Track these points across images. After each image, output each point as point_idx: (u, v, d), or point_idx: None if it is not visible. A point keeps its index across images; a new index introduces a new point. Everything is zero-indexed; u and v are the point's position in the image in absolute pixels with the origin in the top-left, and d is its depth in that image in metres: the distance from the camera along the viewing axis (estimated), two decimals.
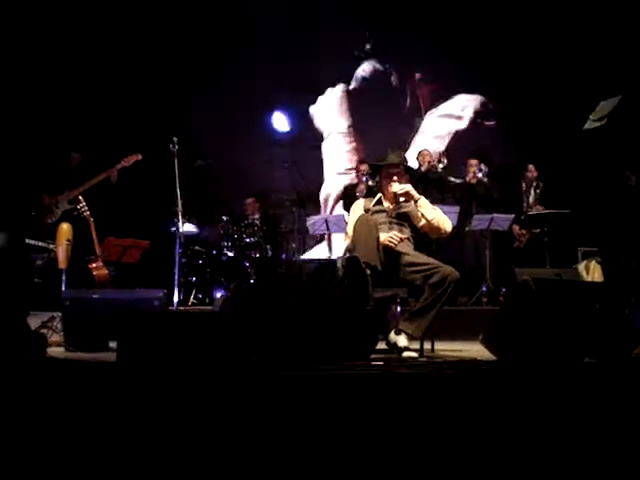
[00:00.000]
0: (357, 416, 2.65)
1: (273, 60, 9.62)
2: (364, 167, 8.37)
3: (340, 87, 9.96)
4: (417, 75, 9.93)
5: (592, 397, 2.78)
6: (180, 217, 6.01)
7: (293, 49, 9.60)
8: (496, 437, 2.60)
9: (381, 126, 9.49)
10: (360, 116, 9.89)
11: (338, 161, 9.96)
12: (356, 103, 9.92)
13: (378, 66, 9.93)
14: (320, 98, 9.99)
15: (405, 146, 9.57)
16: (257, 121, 9.83)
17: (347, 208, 5.66)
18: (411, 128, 10.02)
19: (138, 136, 8.19)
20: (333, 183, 9.87)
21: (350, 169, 9.70)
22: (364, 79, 9.96)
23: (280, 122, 9.72)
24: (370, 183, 4.55)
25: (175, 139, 6.16)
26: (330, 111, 9.97)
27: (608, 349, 3.71)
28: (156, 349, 3.20)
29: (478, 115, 9.85)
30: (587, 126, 8.01)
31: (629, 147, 8.26)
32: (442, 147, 9.81)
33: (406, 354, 4.28)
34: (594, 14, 9.11)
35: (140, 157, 6.96)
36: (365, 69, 9.95)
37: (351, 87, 9.97)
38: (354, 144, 9.92)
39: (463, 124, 9.97)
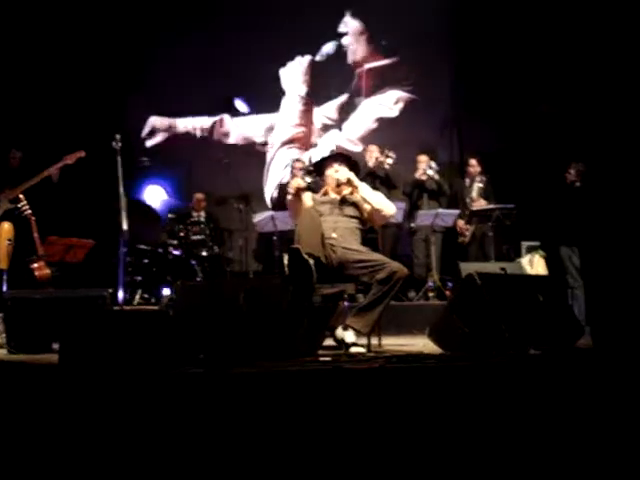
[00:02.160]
0: (304, 412, 2.64)
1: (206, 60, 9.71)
2: (299, 164, 8.40)
3: (307, 57, 10.25)
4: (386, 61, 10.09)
5: (538, 388, 2.81)
6: (124, 215, 5.90)
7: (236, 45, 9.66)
8: (443, 429, 2.61)
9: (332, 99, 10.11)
10: (317, 87, 10.25)
11: (290, 119, 10.28)
12: (316, 74, 10.25)
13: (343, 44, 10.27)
14: (289, 63, 10.23)
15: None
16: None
17: (284, 205, 5.71)
18: (353, 107, 10.22)
19: (80, 133, 8.05)
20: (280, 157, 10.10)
21: (294, 138, 9.92)
22: (328, 55, 10.22)
23: (241, 107, 10.08)
24: (308, 180, 4.56)
25: (118, 136, 6.04)
26: (295, 76, 10.29)
27: (553, 340, 3.77)
28: (100, 349, 3.13)
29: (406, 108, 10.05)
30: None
31: (572, 142, 8.41)
32: (372, 126, 10.04)
33: (354, 349, 4.28)
34: (528, 10, 9.27)
35: (83, 154, 6.84)
36: (331, 46, 10.17)
37: (316, 59, 10.25)
38: (307, 107, 10.27)
39: (392, 113, 10.13)
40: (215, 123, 10.07)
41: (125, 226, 5.90)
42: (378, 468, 2.50)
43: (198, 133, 10.03)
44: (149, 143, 9.94)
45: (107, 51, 9.18)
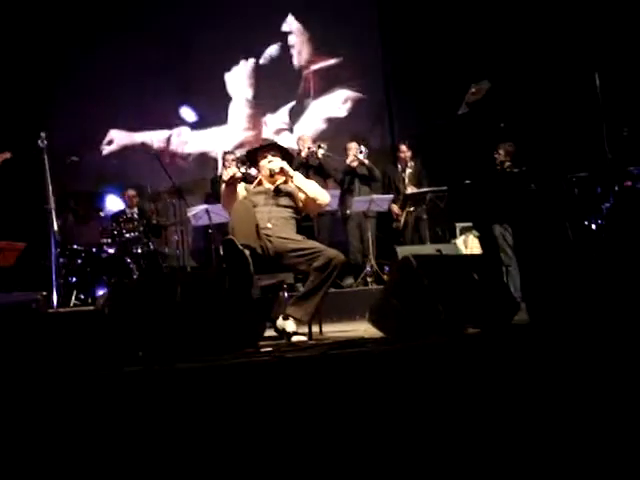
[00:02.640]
0: (248, 404, 2.62)
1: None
2: (230, 156, 8.36)
3: (251, 60, 10.22)
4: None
5: (476, 365, 2.85)
6: (54, 216, 5.78)
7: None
8: (387, 413, 2.62)
9: (279, 102, 10.15)
10: (263, 90, 10.26)
11: (239, 124, 10.30)
12: (261, 78, 10.24)
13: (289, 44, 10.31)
14: (234, 67, 10.16)
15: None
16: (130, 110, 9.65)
17: (218, 199, 5.68)
18: (303, 109, 10.22)
19: (3, 133, 7.81)
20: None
21: (243, 142, 9.93)
22: (272, 57, 10.22)
23: (188, 114, 10.04)
24: (242, 170, 4.54)
25: (43, 134, 5.91)
26: (240, 79, 10.26)
27: (489, 318, 3.82)
28: (33, 352, 3.06)
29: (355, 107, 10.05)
30: (461, 111, 8.23)
31: (500, 123, 8.54)
32: (321, 127, 10.00)
33: (295, 338, 4.28)
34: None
35: (9, 155, 6.66)
36: (275, 49, 10.17)
37: (260, 62, 10.23)
38: (254, 111, 10.28)
39: (341, 113, 10.17)
40: (170, 136, 10.00)
41: (55, 227, 5.78)
42: (325, 456, 2.50)
43: (155, 144, 9.90)
44: (105, 151, 9.78)
45: (31, 46, 8.92)
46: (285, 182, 4.82)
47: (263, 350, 3.59)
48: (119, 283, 4.56)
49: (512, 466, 2.43)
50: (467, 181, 8.25)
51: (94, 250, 7.81)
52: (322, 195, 4.85)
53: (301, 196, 4.80)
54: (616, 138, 6.93)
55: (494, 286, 4.19)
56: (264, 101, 10.23)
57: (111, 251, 7.83)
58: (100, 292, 7.43)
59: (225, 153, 8.87)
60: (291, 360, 3.06)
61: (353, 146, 8.55)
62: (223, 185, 4.76)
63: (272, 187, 4.81)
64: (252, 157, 5.07)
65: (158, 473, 2.45)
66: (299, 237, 4.61)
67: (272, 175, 4.80)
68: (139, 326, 3.56)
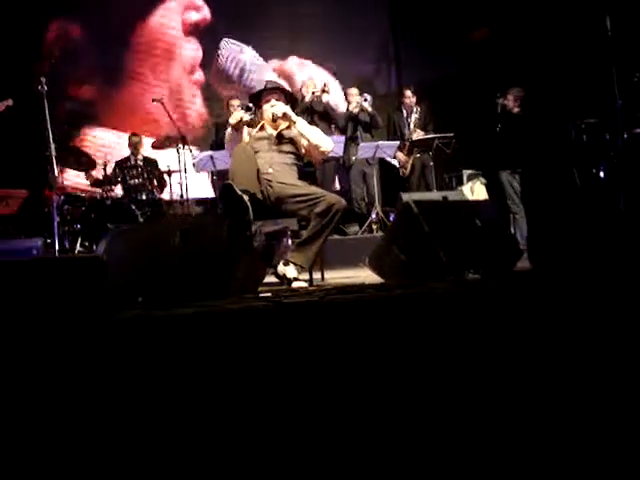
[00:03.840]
0: (244, 350, 2.61)
1: None
2: (235, 102, 8.24)
3: None
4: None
5: (477, 311, 2.82)
6: (54, 162, 5.73)
7: None
8: (386, 360, 2.61)
9: None
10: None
11: None
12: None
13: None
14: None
15: None
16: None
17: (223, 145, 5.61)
18: None
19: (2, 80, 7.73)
20: None
21: None
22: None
23: None
24: (247, 116, 4.47)
25: (43, 79, 5.82)
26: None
27: (491, 264, 3.79)
28: (30, 299, 3.04)
29: None
30: None
31: (509, 68, 8.42)
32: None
33: (296, 284, 4.27)
34: None
35: (11, 102, 6.58)
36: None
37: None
38: None
39: None
40: None
41: (56, 173, 5.75)
42: (321, 403, 2.50)
43: None
44: None
45: None
46: (288, 127, 4.75)
47: (262, 295, 3.57)
48: (118, 230, 4.52)
49: (510, 419, 2.42)
50: (474, 126, 8.18)
51: (98, 197, 7.77)
52: (325, 142, 4.78)
53: (304, 142, 4.73)
54: (627, 84, 6.80)
55: (496, 232, 4.15)
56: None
57: (115, 197, 7.79)
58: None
59: (229, 98, 8.76)
60: (288, 305, 3.04)
61: (354, 92, 8.43)
62: (229, 129, 4.70)
63: (274, 133, 4.73)
64: (255, 100, 4.99)
65: (156, 420, 2.45)
66: (300, 183, 4.56)
67: (275, 120, 4.72)
68: (137, 272, 3.54)
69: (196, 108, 9.94)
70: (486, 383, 2.54)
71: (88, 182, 7.84)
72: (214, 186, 7.73)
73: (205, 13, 10.00)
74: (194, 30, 9.99)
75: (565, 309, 2.79)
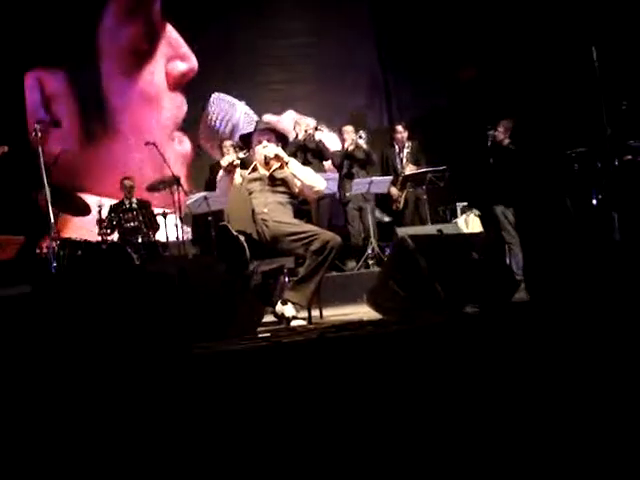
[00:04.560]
0: (244, 390, 2.61)
1: None
2: (227, 142, 8.29)
3: None
4: None
5: (477, 345, 2.82)
6: (50, 208, 5.75)
7: None
8: (386, 394, 2.60)
9: None
10: None
11: None
12: None
13: None
14: None
15: None
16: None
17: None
18: None
19: None
20: None
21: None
22: None
23: None
24: (240, 155, 4.52)
25: (37, 126, 5.87)
26: None
27: (489, 297, 3.80)
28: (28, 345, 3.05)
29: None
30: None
31: (497, 103, 8.51)
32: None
33: (294, 323, 4.27)
34: None
35: (6, 149, 6.61)
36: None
37: None
38: None
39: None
40: None
41: (52, 219, 5.76)
42: (321, 439, 2.49)
43: None
44: None
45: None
46: (280, 168, 4.77)
47: (261, 336, 3.57)
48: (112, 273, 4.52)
49: (510, 447, 2.41)
50: (467, 160, 8.24)
51: (94, 241, 7.78)
52: (318, 182, 4.80)
53: (297, 182, 4.75)
54: (615, 112, 6.87)
55: (493, 265, 4.16)
56: None
57: (111, 241, 7.80)
58: None
59: (222, 139, 8.82)
60: (287, 345, 3.04)
61: (349, 129, 8.49)
62: (221, 171, 4.74)
63: (267, 173, 4.76)
64: (247, 141, 5.03)
65: (152, 461, 2.43)
66: (296, 221, 4.59)
67: (267, 161, 4.75)
68: (135, 314, 3.54)
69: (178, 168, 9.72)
70: (488, 418, 2.53)
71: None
72: (210, 226, 7.73)
73: (193, 63, 9.74)
74: (180, 83, 9.77)
75: (564, 339, 2.79)
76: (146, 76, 9.71)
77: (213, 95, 9.83)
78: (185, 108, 9.75)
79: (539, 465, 2.25)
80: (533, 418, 2.48)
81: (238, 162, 4.67)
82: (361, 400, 2.58)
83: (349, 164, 8.41)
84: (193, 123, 9.75)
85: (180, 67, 9.77)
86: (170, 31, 9.78)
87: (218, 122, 9.83)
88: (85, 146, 9.43)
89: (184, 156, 9.73)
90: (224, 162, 4.72)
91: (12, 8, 8.56)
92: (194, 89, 9.73)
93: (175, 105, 9.77)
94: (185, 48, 9.78)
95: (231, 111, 9.88)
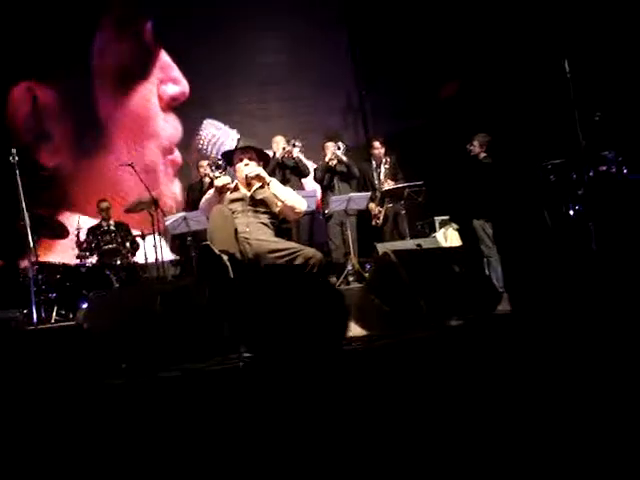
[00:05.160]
0: (231, 409, 2.60)
1: None
2: (204, 162, 8.30)
3: None
4: None
5: (462, 356, 2.84)
6: (29, 231, 5.70)
7: None
8: (373, 411, 2.61)
9: None
10: None
11: None
12: None
13: None
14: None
15: None
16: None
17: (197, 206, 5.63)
18: None
19: None
20: None
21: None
22: None
23: None
24: (217, 174, 4.52)
25: (14, 150, 5.82)
26: None
27: (472, 309, 3.82)
28: (14, 370, 3.01)
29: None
30: None
31: (476, 119, 8.58)
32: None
33: None
34: None
35: None
36: None
37: None
38: None
39: None
40: None
41: (31, 243, 5.71)
42: (308, 454, 2.48)
43: None
44: None
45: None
46: (262, 187, 4.77)
47: (246, 355, 3.56)
48: (98, 296, 4.50)
49: (497, 458, 2.42)
50: (444, 176, 8.30)
51: (72, 264, 7.72)
52: (299, 203, 4.80)
53: (277, 202, 4.75)
54: (588, 123, 6.96)
55: (475, 277, 4.19)
56: None
57: (90, 264, 7.75)
58: (82, 306, 7.34)
59: (198, 159, 8.82)
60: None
61: (330, 145, 8.53)
62: (211, 191, 4.70)
63: (248, 194, 4.75)
64: (228, 159, 5.03)
65: None
66: (277, 239, 4.58)
67: (248, 181, 4.75)
68: (120, 338, 3.53)
69: (171, 191, 9.82)
70: (476, 427, 2.54)
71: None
72: (190, 247, 7.71)
73: (184, 87, 9.87)
74: (172, 105, 9.90)
75: (548, 348, 2.81)
76: (139, 97, 9.80)
77: (205, 120, 9.95)
78: (180, 129, 9.87)
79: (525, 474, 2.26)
80: (518, 427, 2.50)
81: (233, 186, 4.66)
82: (351, 415, 2.58)
83: (329, 178, 8.45)
84: (187, 145, 9.89)
85: (171, 90, 9.92)
86: (162, 54, 9.89)
87: (205, 145, 9.93)
88: (76, 162, 9.47)
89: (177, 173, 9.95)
90: (219, 182, 4.68)
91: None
92: (186, 112, 9.88)
93: (171, 126, 9.89)
94: (177, 72, 9.90)
95: (217, 134, 9.96)
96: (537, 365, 2.73)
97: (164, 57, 9.89)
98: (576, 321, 3.10)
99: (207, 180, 7.98)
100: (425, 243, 6.37)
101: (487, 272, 6.88)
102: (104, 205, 8.27)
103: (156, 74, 9.88)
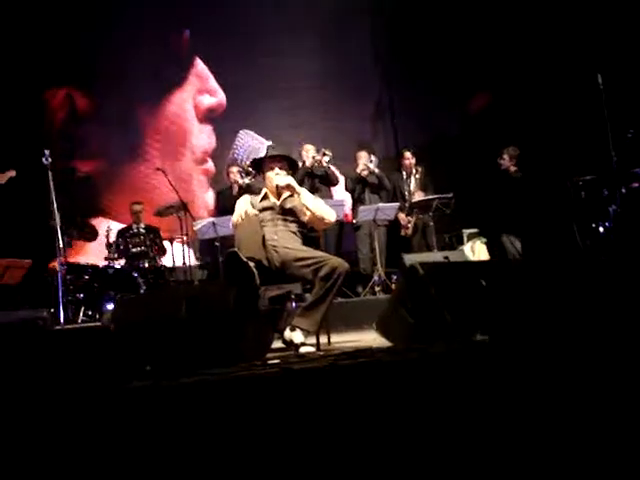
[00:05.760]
0: (259, 416, 2.60)
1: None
2: (234, 168, 8.34)
3: None
4: None
5: (486, 372, 2.82)
6: (59, 232, 5.77)
7: None
8: (396, 424, 2.59)
9: None
10: None
11: None
12: None
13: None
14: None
15: None
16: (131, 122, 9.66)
17: (227, 211, 5.64)
18: None
19: (7, 151, 7.83)
20: None
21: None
22: None
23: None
24: (246, 181, 4.54)
25: (47, 152, 5.91)
26: None
27: (499, 325, 3.79)
28: (39, 370, 3.04)
29: None
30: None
31: (507, 132, 8.55)
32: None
33: (303, 349, 4.25)
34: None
35: (14, 173, 6.67)
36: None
37: None
38: None
39: None
40: None
41: (61, 244, 5.78)
42: (334, 467, 2.48)
43: None
44: None
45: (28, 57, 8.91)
46: (291, 196, 4.78)
47: (270, 362, 3.56)
48: (125, 299, 4.54)
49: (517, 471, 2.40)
50: (474, 189, 8.27)
51: (101, 266, 7.80)
52: (328, 214, 4.79)
53: (306, 212, 4.75)
54: (621, 140, 6.91)
55: (502, 292, 4.15)
56: None
57: (118, 266, 7.82)
58: (108, 308, 7.41)
59: (229, 165, 8.86)
60: (298, 372, 3.03)
61: (363, 155, 8.55)
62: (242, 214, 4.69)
63: (278, 202, 4.77)
64: (258, 167, 5.04)
65: None
66: (305, 247, 4.59)
67: (279, 191, 4.75)
68: (145, 341, 3.54)
69: (204, 200, 9.88)
70: (496, 445, 2.52)
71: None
72: (218, 252, 7.75)
73: (221, 98, 9.93)
74: (208, 116, 9.95)
75: (572, 369, 2.78)
76: (175, 106, 9.90)
77: (241, 131, 10.00)
78: (214, 139, 9.95)
79: None
80: (541, 441, 2.48)
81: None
82: (371, 428, 2.57)
83: (360, 189, 8.47)
84: (221, 154, 9.96)
85: (208, 101, 10.00)
86: (199, 64, 9.99)
87: (241, 153, 9.96)
88: (110, 168, 9.60)
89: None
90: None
91: (35, 27, 8.69)
92: (220, 121, 9.97)
93: (206, 136, 9.97)
94: (213, 82, 10.00)
95: (255, 146, 9.96)
96: (561, 381, 2.70)
97: (200, 66, 9.97)
98: (601, 337, 3.07)
99: (237, 186, 8.03)
100: (452, 256, 6.33)
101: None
102: (138, 207, 8.36)
103: (193, 82, 9.96)
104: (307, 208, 4.71)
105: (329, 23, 9.96)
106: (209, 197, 9.85)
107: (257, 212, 4.63)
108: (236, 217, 4.64)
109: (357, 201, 8.52)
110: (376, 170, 8.39)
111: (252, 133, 9.99)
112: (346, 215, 8.77)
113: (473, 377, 2.77)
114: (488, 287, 3.94)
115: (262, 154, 4.79)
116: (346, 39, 9.97)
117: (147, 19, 9.66)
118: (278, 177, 4.74)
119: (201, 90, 9.98)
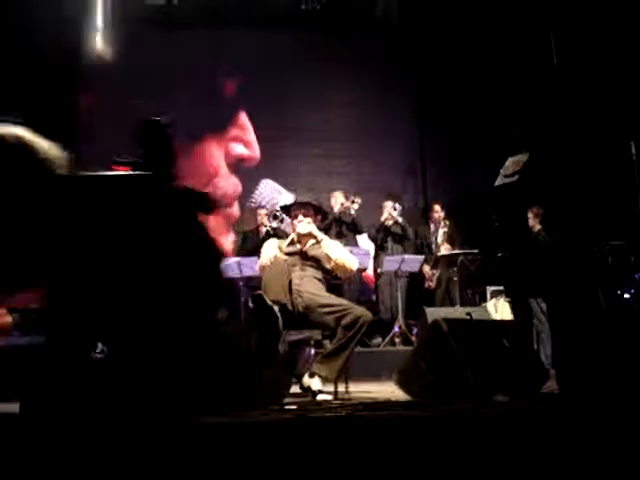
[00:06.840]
0: (272, 462, 2.59)
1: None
2: (262, 211, 8.42)
3: None
4: None
5: (505, 434, 2.79)
6: None
7: None
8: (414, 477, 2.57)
9: None
10: None
11: None
12: None
13: None
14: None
15: None
16: None
17: (252, 252, 5.69)
18: None
19: None
20: None
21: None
22: None
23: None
24: (274, 225, 4.61)
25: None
26: None
27: (518, 386, 3.76)
28: (63, 398, 3.06)
29: None
30: (498, 182, 8.33)
31: (534, 192, 8.53)
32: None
33: (320, 397, 4.24)
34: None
35: None
36: None
37: None
38: None
39: None
40: None
41: None
42: None
43: None
44: None
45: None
46: (316, 242, 4.85)
47: (288, 407, 3.55)
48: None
49: None
50: (501, 252, 8.22)
51: None
52: (350, 262, 4.84)
53: (330, 260, 4.81)
54: None
55: (524, 354, 4.14)
56: None
57: None
58: None
59: (257, 208, 8.94)
60: (314, 420, 3.03)
61: (388, 204, 8.59)
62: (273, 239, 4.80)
63: (302, 248, 4.84)
64: (287, 212, 5.15)
65: None
66: (329, 294, 4.62)
67: (299, 239, 4.86)
68: (165, 379, 3.54)
69: (221, 242, 9.91)
70: None
71: None
72: (241, 292, 7.77)
73: (254, 152, 10.00)
74: (237, 165, 10.03)
75: (594, 434, 2.75)
76: (206, 152, 9.94)
77: (263, 180, 10.10)
78: (240, 189, 9.99)
79: None
80: None
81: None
82: None
83: (383, 237, 8.49)
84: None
85: (239, 150, 10.04)
86: (243, 115, 10.05)
87: (263, 201, 10.01)
88: None
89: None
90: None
91: None
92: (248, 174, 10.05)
93: (232, 184, 10.00)
94: (252, 135, 10.03)
95: (277, 196, 10.06)
96: (580, 447, 2.67)
97: (243, 117, 10.06)
98: (625, 406, 3.03)
99: (264, 229, 8.09)
100: (475, 312, 6.29)
101: (536, 347, 6.77)
102: None
103: (232, 132, 10.04)
104: (329, 256, 4.76)
105: (367, 74, 10.09)
106: (228, 240, 9.83)
107: (286, 257, 4.69)
108: (265, 259, 4.70)
109: (380, 248, 8.54)
110: (399, 219, 8.43)
111: (273, 183, 10.09)
112: (367, 275, 8.78)
113: (494, 440, 2.75)
114: (511, 348, 3.92)
115: (281, 202, 4.91)
116: (384, 90, 10.08)
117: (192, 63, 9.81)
118: (301, 225, 4.83)
119: (237, 138, 10.04)
